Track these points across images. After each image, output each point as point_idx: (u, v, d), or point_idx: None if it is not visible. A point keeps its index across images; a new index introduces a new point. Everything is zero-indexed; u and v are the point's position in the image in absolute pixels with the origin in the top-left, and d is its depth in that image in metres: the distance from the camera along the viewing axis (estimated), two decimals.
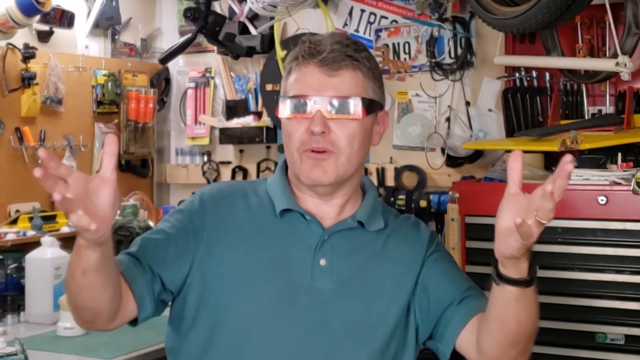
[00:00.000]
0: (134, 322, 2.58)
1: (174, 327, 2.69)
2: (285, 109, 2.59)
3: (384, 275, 2.66)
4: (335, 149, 2.55)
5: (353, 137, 2.58)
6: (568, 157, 2.08)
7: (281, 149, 5.36)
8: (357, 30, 5.15)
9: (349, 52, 2.58)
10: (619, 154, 3.88)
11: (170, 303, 2.65)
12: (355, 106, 2.56)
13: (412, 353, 2.67)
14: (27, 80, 4.82)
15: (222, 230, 2.64)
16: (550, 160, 4.21)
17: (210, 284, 2.59)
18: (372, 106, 2.63)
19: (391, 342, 2.62)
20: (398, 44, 5.07)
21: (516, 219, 2.10)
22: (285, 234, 2.64)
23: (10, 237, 4.55)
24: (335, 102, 2.55)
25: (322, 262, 2.61)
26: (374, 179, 4.97)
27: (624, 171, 3.77)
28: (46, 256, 4.23)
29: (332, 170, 2.56)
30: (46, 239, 4.30)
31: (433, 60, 4.95)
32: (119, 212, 4.80)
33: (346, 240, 2.66)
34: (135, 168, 5.63)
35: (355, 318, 2.58)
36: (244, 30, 5.32)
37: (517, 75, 4.68)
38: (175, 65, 5.84)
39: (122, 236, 4.55)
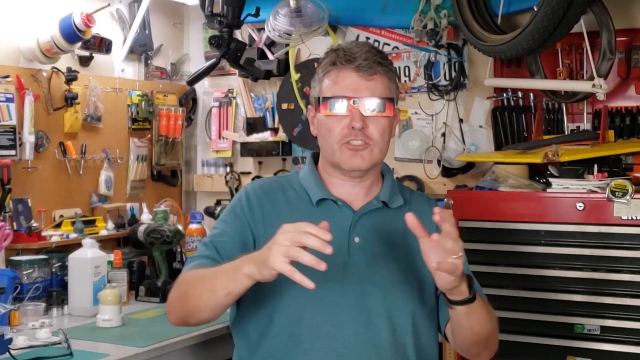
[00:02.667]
0: None
1: (238, 309, 2.87)
2: (326, 108, 2.79)
3: (407, 246, 2.81)
4: (371, 141, 2.77)
5: (384, 131, 2.79)
6: (436, 210, 2.46)
7: (296, 161, 5.38)
8: None
9: (379, 59, 2.78)
10: (595, 166, 3.88)
11: None
12: (388, 105, 2.78)
13: (435, 316, 2.89)
14: (70, 100, 4.82)
15: (268, 222, 2.80)
16: (534, 171, 4.20)
17: None
18: (395, 104, 2.85)
19: (419, 304, 2.81)
20: (399, 67, 5.05)
21: (432, 264, 2.44)
22: (322, 219, 2.62)
23: (55, 239, 4.56)
24: (372, 102, 2.76)
25: (356, 239, 2.80)
26: None
27: (600, 181, 3.77)
28: (87, 256, 4.23)
29: (369, 158, 2.77)
30: (87, 241, 4.30)
31: (430, 82, 4.94)
32: (151, 217, 4.81)
33: (374, 219, 2.86)
34: (166, 178, 5.63)
35: (386, 285, 2.76)
36: (262, 55, 5.33)
37: (504, 95, 4.68)
38: (202, 87, 5.84)
39: (154, 238, 4.55)
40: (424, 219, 2.74)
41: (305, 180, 2.91)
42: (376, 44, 5.08)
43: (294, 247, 2.32)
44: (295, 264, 2.40)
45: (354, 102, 2.74)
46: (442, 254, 2.42)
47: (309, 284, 2.31)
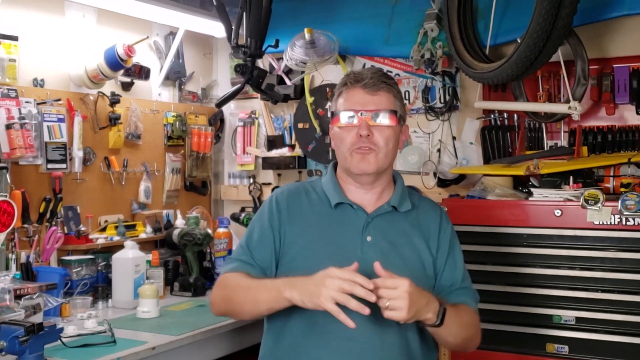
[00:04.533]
0: None
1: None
2: (338, 121, 2.90)
3: (412, 245, 2.93)
4: (376, 147, 2.86)
5: (388, 139, 2.88)
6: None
7: (310, 174, 5.36)
8: None
9: (383, 79, 2.91)
10: (571, 177, 3.89)
11: None
12: (390, 116, 2.87)
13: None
14: (114, 120, 4.84)
15: (293, 222, 2.95)
16: (518, 182, 4.21)
17: (290, 263, 2.88)
18: (400, 118, 2.93)
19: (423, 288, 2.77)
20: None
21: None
22: (339, 220, 2.92)
23: (101, 241, 4.58)
24: (376, 114, 2.85)
25: (368, 238, 2.87)
26: None
27: (575, 190, 3.78)
28: (128, 256, 4.24)
29: (374, 162, 2.86)
30: (128, 243, 4.31)
31: (427, 105, 4.90)
32: (184, 222, 4.84)
33: (384, 221, 2.93)
34: (197, 188, 5.63)
35: None
36: (281, 81, 5.32)
37: (492, 116, 4.67)
38: (228, 109, 5.82)
39: (187, 241, 4.56)
40: (429, 222, 2.99)
41: (326, 185, 3.00)
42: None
43: (342, 295, 2.48)
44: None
45: (361, 114, 2.84)
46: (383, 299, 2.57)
47: (350, 323, 2.49)
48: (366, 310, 2.48)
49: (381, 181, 2.97)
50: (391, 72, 5.05)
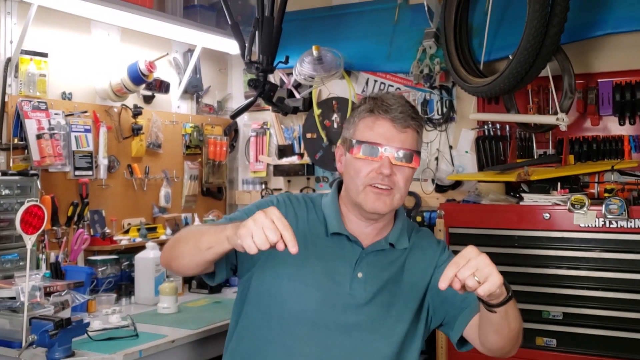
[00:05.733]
0: (210, 278, 2.57)
1: (238, 306, 2.65)
2: (359, 151, 2.49)
3: (403, 284, 2.59)
4: (396, 187, 2.49)
5: (407, 179, 2.51)
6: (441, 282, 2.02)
7: (317, 180, 5.37)
8: None
9: (413, 114, 2.50)
10: (559, 183, 3.92)
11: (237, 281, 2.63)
12: (415, 158, 2.49)
13: (420, 339, 2.60)
14: (136, 130, 4.85)
15: None
16: (510, 188, 4.22)
17: (271, 281, 2.52)
18: (420, 156, 2.56)
19: (407, 334, 2.55)
20: None
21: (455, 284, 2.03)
22: (332, 250, 2.56)
23: (124, 242, 4.59)
24: (402, 153, 2.46)
25: (359, 274, 2.53)
26: None
27: (562, 195, 3.80)
28: (149, 256, 4.25)
29: (390, 203, 2.49)
30: (149, 244, 4.33)
31: (426, 116, 4.91)
32: (201, 224, 4.84)
33: (379, 258, 2.59)
34: (213, 193, 5.63)
35: (380, 318, 2.51)
36: (290, 94, 5.33)
37: (486, 127, 4.69)
38: (242, 120, 5.84)
39: None
40: (424, 256, 2.64)
41: (327, 209, 2.63)
42: (382, 86, 5.11)
43: (261, 237, 2.06)
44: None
45: (385, 150, 2.46)
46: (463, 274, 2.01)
47: (292, 249, 2.06)
48: (294, 250, 2.05)
49: (386, 217, 2.61)
50: (392, 86, 5.08)
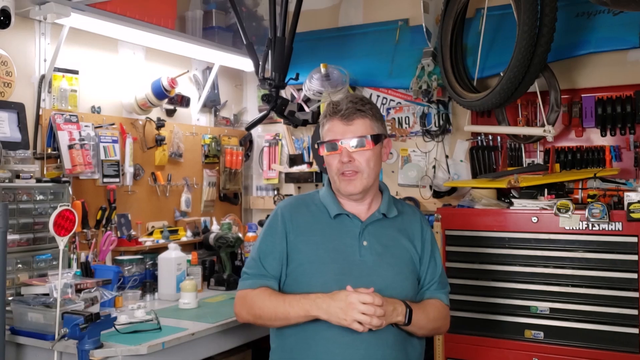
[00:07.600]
0: None
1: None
2: (324, 149, 2.84)
3: (401, 245, 2.88)
4: (359, 170, 2.80)
5: (369, 160, 2.81)
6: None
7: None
8: None
9: (358, 106, 2.80)
10: (546, 190, 3.89)
11: None
12: (367, 141, 2.79)
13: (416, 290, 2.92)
14: (159, 141, 4.86)
15: (298, 231, 2.84)
16: (501, 194, 4.20)
17: (296, 268, 2.80)
18: (378, 138, 2.83)
19: (413, 287, 2.87)
20: (401, 117, 5.04)
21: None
22: (339, 228, 2.84)
23: (148, 244, 4.59)
24: (355, 141, 2.79)
25: (365, 243, 2.81)
26: None
27: (549, 201, 3.78)
28: (171, 256, 4.24)
29: (359, 184, 2.81)
30: (171, 245, 4.32)
31: (424, 128, 4.90)
32: (219, 227, 4.85)
33: (376, 227, 2.87)
34: (230, 198, 5.63)
35: (389, 276, 2.78)
36: (300, 108, 5.29)
37: (479, 138, 4.67)
38: (256, 131, 5.80)
39: (221, 243, 4.58)
40: (412, 226, 2.95)
41: (325, 199, 2.92)
42: (384, 100, 5.11)
43: (365, 317, 2.56)
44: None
45: (341, 142, 2.79)
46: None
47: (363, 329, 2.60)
48: (383, 324, 2.62)
49: (369, 194, 2.90)
50: (394, 100, 5.07)
